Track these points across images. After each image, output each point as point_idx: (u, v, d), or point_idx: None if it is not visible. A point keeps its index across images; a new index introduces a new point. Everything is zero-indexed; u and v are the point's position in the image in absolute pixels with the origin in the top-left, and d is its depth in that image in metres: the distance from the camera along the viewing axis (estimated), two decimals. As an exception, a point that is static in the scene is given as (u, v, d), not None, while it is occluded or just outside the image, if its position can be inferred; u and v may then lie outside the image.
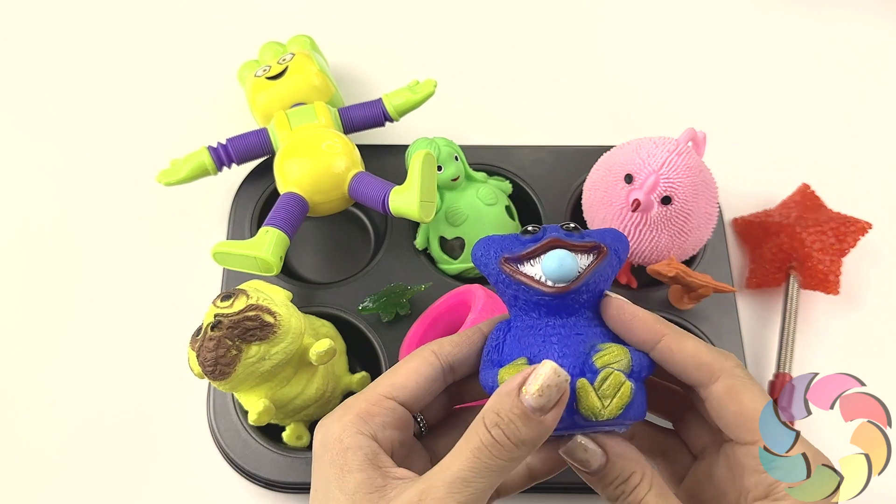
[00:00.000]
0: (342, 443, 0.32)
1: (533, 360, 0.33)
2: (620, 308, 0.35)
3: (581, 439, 0.32)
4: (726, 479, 0.34)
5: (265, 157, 0.63)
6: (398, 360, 0.52)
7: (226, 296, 0.48)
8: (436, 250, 0.60)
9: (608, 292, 0.36)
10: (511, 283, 0.35)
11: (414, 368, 0.35)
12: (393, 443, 0.33)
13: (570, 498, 0.54)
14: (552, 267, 0.33)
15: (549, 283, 0.34)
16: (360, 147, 0.60)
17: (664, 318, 0.57)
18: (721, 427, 0.33)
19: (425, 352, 0.35)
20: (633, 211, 0.54)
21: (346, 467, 0.31)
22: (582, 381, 0.32)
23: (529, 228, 0.35)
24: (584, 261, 0.34)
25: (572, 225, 0.35)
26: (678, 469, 0.38)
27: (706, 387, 0.33)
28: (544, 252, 0.34)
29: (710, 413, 0.34)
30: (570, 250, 0.34)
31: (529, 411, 0.29)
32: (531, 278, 0.34)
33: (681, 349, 0.33)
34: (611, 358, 0.33)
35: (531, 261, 0.34)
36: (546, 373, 0.29)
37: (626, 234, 0.56)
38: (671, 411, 0.39)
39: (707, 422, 0.36)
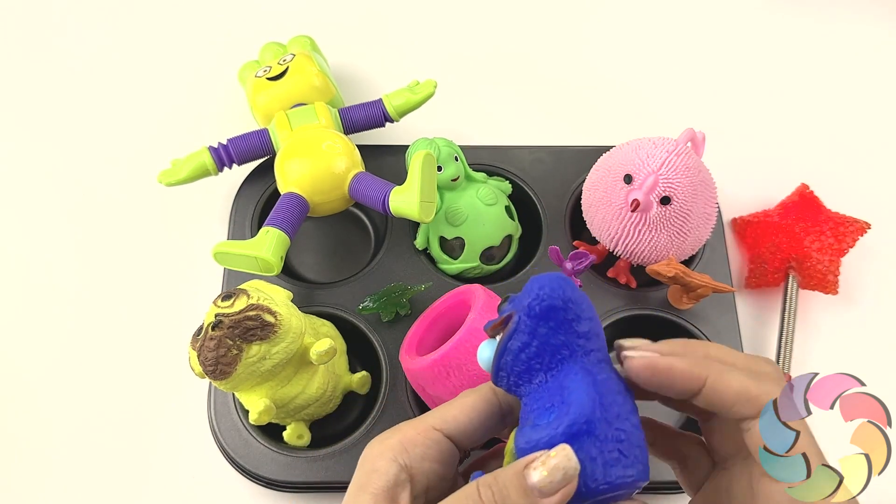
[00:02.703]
0: (373, 463, 0.32)
1: None
2: (651, 366, 0.31)
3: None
4: (746, 495, 0.32)
5: (266, 158, 0.63)
6: (398, 360, 0.53)
7: (226, 295, 0.48)
8: (436, 250, 0.60)
9: (624, 345, 0.32)
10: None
11: (469, 404, 0.34)
12: (430, 476, 0.33)
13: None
14: (483, 358, 0.33)
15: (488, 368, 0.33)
16: (360, 147, 0.60)
17: (664, 318, 0.58)
18: (756, 457, 0.31)
19: (484, 388, 0.35)
20: (633, 211, 0.54)
21: (364, 487, 0.32)
22: None
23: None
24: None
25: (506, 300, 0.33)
26: (697, 476, 0.36)
27: (752, 420, 0.31)
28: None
29: (747, 440, 0.32)
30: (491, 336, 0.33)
31: (529, 487, 0.29)
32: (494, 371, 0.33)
33: (727, 387, 0.31)
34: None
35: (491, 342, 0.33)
36: (558, 454, 0.29)
37: (625, 234, 0.56)
38: (701, 412, 0.36)
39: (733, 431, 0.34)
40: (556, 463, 0.28)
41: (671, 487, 0.52)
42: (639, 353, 0.32)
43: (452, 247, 0.59)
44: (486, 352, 0.32)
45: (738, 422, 0.32)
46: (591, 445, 0.29)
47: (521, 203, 0.63)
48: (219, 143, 0.61)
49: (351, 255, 0.65)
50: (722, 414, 0.32)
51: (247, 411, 0.51)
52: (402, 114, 0.62)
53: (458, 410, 0.34)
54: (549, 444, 0.29)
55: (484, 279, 0.60)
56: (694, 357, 0.32)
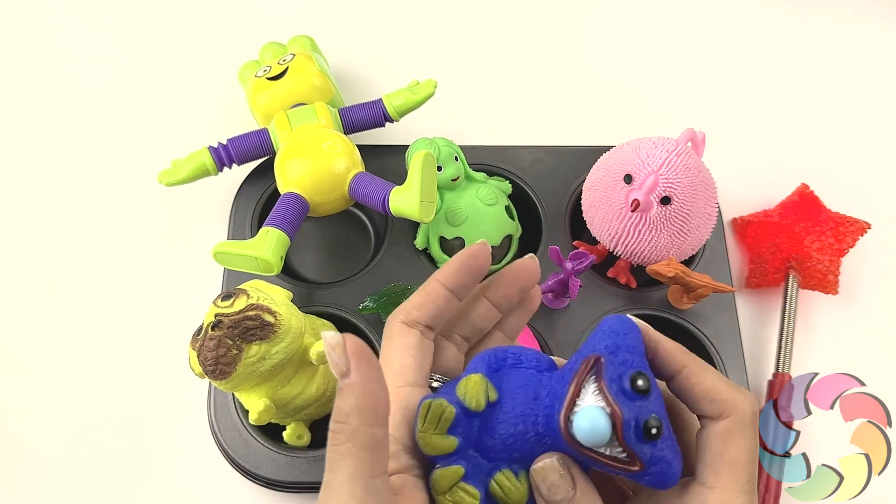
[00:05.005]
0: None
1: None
2: (644, 334, 0.32)
3: (558, 462, 0.30)
4: None
5: (266, 158, 0.63)
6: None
7: (226, 295, 0.48)
8: (436, 250, 0.60)
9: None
10: (565, 372, 0.30)
11: (405, 349, 0.33)
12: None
13: None
14: (583, 427, 0.28)
15: (575, 435, 0.28)
16: (360, 147, 0.60)
17: (664, 318, 0.58)
18: (696, 460, 0.32)
19: (396, 325, 0.34)
20: (633, 211, 0.54)
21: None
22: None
23: (640, 383, 0.29)
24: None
25: (653, 430, 0.28)
26: None
27: (712, 421, 0.32)
28: (600, 402, 0.28)
29: (699, 439, 0.32)
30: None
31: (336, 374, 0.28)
32: (572, 399, 0.29)
33: (700, 381, 0.31)
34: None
35: (598, 393, 0.29)
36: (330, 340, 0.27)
37: (625, 234, 0.56)
38: None
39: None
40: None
41: None
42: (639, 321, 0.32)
43: (452, 247, 0.59)
44: (604, 429, 0.28)
45: (701, 420, 0.32)
46: None
47: (521, 203, 0.63)
48: (219, 143, 0.61)
49: (351, 255, 0.65)
50: (687, 406, 0.32)
51: (247, 411, 0.51)
52: (402, 114, 0.62)
53: (401, 360, 0.33)
54: None
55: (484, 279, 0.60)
56: (681, 349, 0.32)
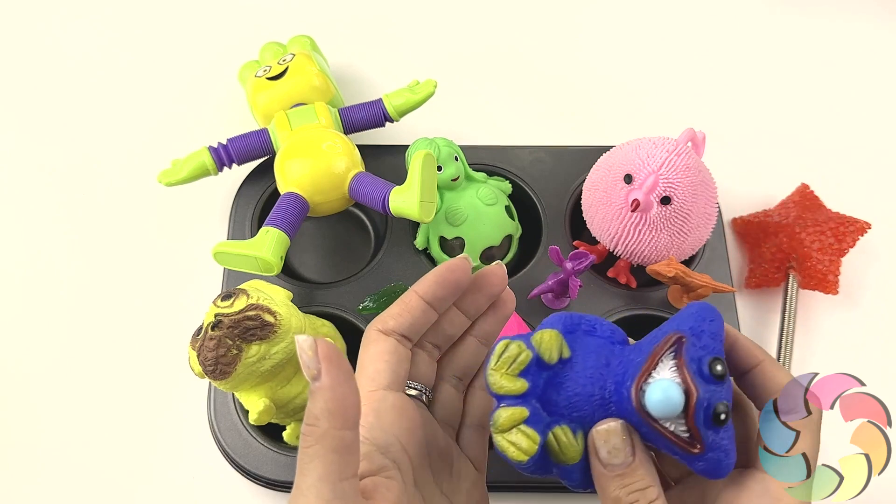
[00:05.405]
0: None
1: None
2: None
3: (622, 426, 0.30)
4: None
5: (266, 158, 0.63)
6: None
7: (226, 295, 0.48)
8: (436, 250, 0.60)
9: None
10: (642, 345, 0.31)
11: (380, 355, 0.34)
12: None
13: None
14: (656, 398, 0.28)
15: (645, 404, 0.29)
16: (360, 147, 0.60)
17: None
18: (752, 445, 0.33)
19: (372, 333, 0.34)
20: (633, 211, 0.54)
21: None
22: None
23: (718, 368, 0.29)
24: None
25: (722, 416, 0.29)
26: None
27: None
28: (676, 378, 0.28)
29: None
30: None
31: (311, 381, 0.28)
32: (647, 369, 0.29)
33: (774, 377, 0.33)
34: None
35: (675, 369, 0.29)
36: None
37: (625, 234, 0.56)
38: None
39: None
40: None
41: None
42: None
43: (452, 247, 0.59)
44: (678, 399, 0.28)
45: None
46: None
47: (521, 203, 0.63)
48: (219, 143, 0.61)
49: (351, 255, 0.65)
50: (759, 400, 0.33)
51: (247, 411, 0.51)
52: (402, 114, 0.62)
53: (376, 365, 0.34)
54: None
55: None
56: (756, 345, 0.33)
